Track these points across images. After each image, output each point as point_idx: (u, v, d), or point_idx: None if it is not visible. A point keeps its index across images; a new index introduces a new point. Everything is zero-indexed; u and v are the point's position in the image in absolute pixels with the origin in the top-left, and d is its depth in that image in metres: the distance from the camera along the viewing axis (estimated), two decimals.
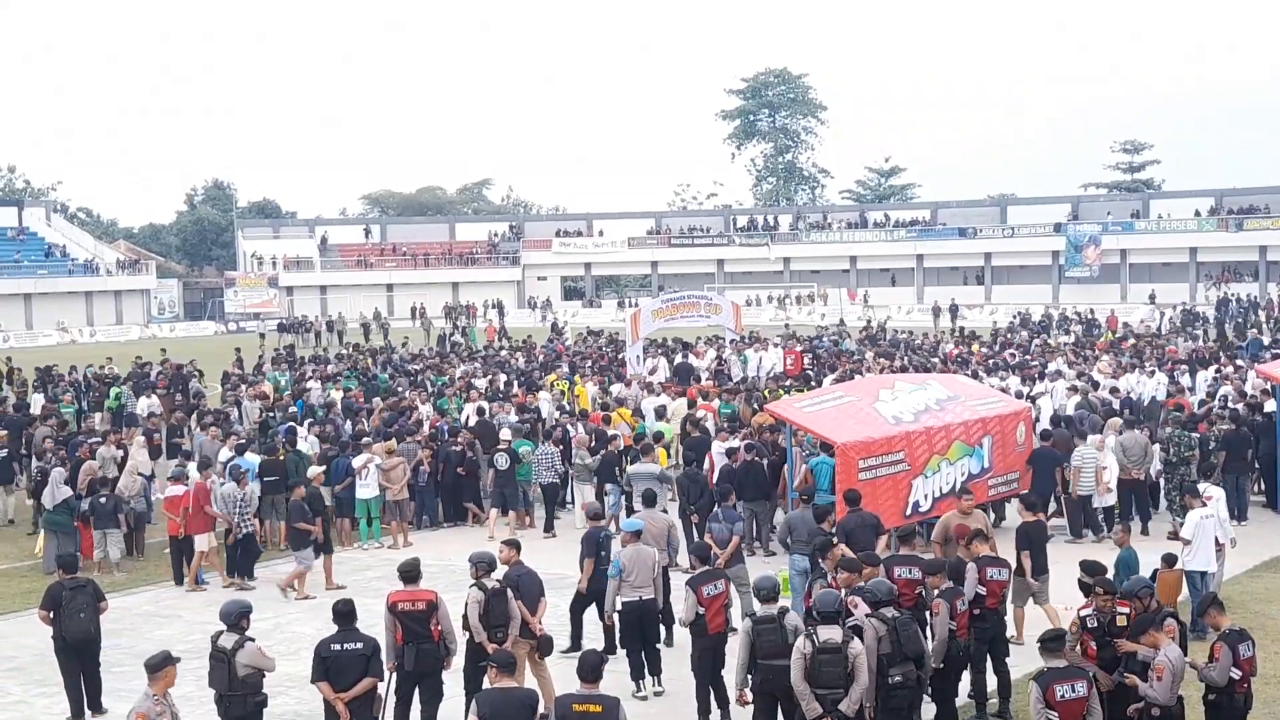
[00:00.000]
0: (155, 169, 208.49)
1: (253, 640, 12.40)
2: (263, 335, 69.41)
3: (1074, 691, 10.62)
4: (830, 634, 11.49)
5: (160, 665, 11.07)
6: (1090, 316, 62.07)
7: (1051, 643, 11.06)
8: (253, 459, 23.15)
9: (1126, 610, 12.23)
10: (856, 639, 11.61)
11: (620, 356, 40.79)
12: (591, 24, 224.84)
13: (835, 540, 15.19)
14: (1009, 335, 49.35)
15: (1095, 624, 12.28)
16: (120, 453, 25.43)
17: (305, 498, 20.28)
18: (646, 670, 14.86)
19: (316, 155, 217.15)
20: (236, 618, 12.48)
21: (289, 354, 49.20)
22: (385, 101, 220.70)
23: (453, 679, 13.52)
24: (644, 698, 14.65)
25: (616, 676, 13.87)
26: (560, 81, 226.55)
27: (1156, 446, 23.04)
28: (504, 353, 48.79)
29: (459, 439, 25.13)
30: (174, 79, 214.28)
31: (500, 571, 14.13)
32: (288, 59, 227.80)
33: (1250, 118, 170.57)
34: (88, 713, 14.77)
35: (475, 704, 10.64)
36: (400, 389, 34.46)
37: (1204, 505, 17.27)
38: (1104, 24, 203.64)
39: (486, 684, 11.18)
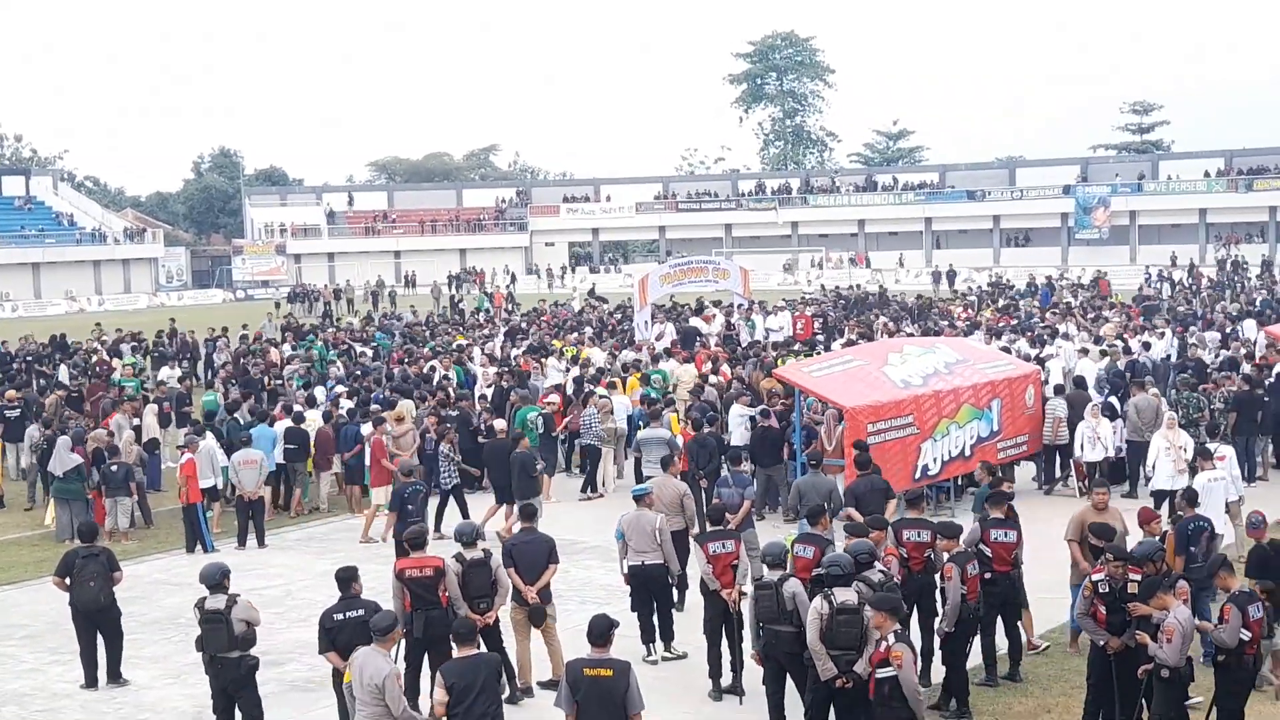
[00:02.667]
0: (161, 138, 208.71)
1: (240, 595, 12.60)
2: (277, 304, 69.56)
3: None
4: (847, 595, 11.54)
5: (390, 628, 11.09)
6: (1075, 281, 61.93)
7: (894, 608, 11.13)
8: (279, 425, 23.44)
9: (1139, 577, 12.21)
10: (869, 606, 11.63)
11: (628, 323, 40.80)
12: None
13: (825, 506, 15.22)
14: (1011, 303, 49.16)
15: (1107, 589, 12.28)
16: (136, 421, 25.59)
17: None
18: (657, 634, 14.91)
19: (323, 122, 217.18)
20: (219, 578, 12.62)
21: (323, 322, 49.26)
22: (391, 69, 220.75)
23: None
24: (654, 661, 14.69)
25: (628, 641, 13.89)
26: (567, 46, 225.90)
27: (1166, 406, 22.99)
28: (516, 318, 48.78)
29: (464, 404, 25.12)
30: (178, 79, 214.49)
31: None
32: (290, 28, 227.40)
33: (1256, 112, 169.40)
34: (103, 681, 14.80)
35: (441, 675, 10.71)
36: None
37: (1214, 467, 17.26)
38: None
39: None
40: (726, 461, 18.56)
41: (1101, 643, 12.23)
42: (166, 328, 44.15)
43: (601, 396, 24.93)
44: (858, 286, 60.13)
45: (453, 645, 13.12)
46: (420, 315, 52.52)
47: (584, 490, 24.21)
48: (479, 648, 11.16)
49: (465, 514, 20.83)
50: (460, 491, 21.67)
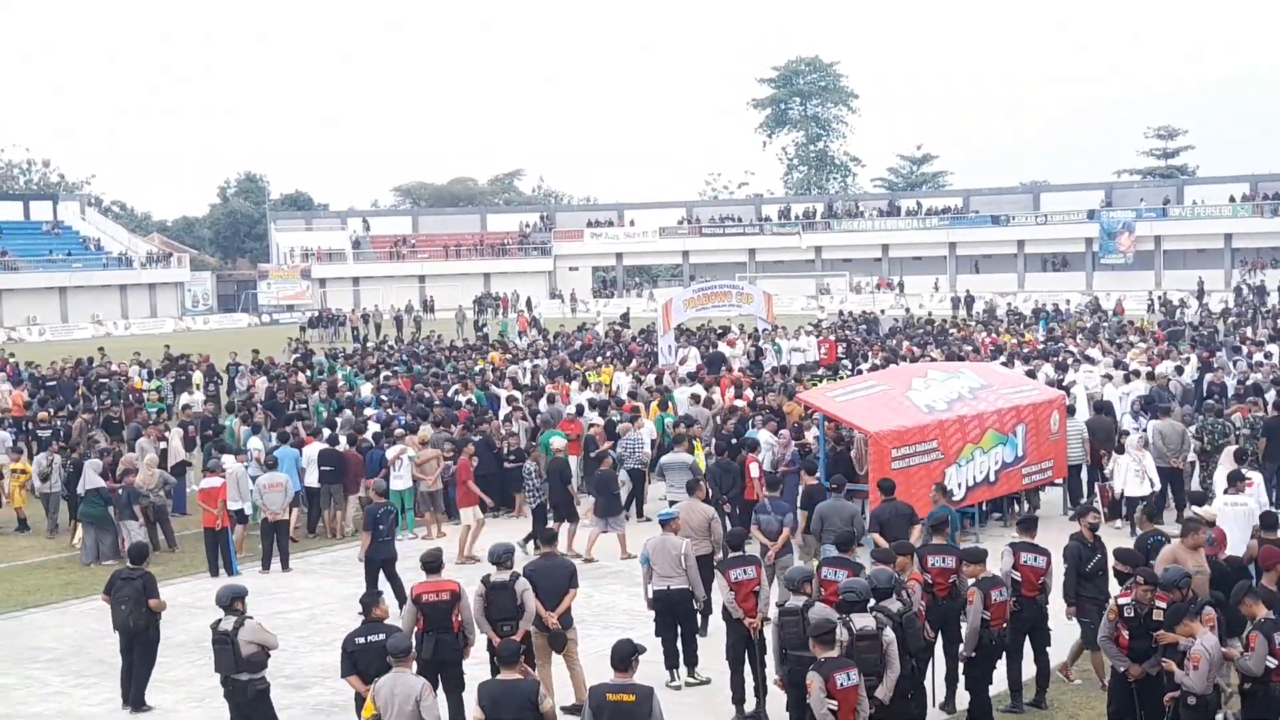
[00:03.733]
0: (188, 163, 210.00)
1: (251, 618, 12.64)
2: (303, 328, 69.95)
3: (849, 680, 10.74)
4: (865, 621, 11.50)
5: (407, 650, 11.23)
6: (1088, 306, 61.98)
7: (825, 635, 10.99)
8: (312, 449, 23.55)
9: (1164, 604, 12.14)
10: (888, 628, 11.60)
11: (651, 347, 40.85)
12: (623, 12, 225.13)
13: (853, 532, 15.19)
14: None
15: (1132, 614, 12.20)
16: (162, 444, 25.69)
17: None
18: (681, 659, 14.87)
19: (349, 148, 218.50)
20: (230, 600, 12.71)
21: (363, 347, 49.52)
22: (417, 95, 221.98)
23: (484, 669, 13.56)
24: (677, 687, 14.65)
25: (652, 666, 13.87)
26: (591, 72, 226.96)
27: (1192, 432, 22.81)
28: (540, 341, 48.84)
29: (486, 428, 25.07)
30: (178, 80, 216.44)
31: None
32: (316, 55, 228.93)
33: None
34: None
35: (477, 694, 10.80)
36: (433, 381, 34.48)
37: (1239, 493, 17.14)
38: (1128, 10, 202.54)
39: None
40: (766, 487, 18.43)
41: (1122, 669, 12.17)
42: (162, 353, 44.48)
43: (626, 421, 24.92)
44: (865, 312, 60.31)
45: (463, 667, 13.29)
46: (445, 340, 52.57)
47: (639, 515, 23.90)
48: (522, 672, 11.11)
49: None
50: (543, 511, 21.64)
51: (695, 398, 27.63)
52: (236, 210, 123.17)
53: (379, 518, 18.15)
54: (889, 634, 11.50)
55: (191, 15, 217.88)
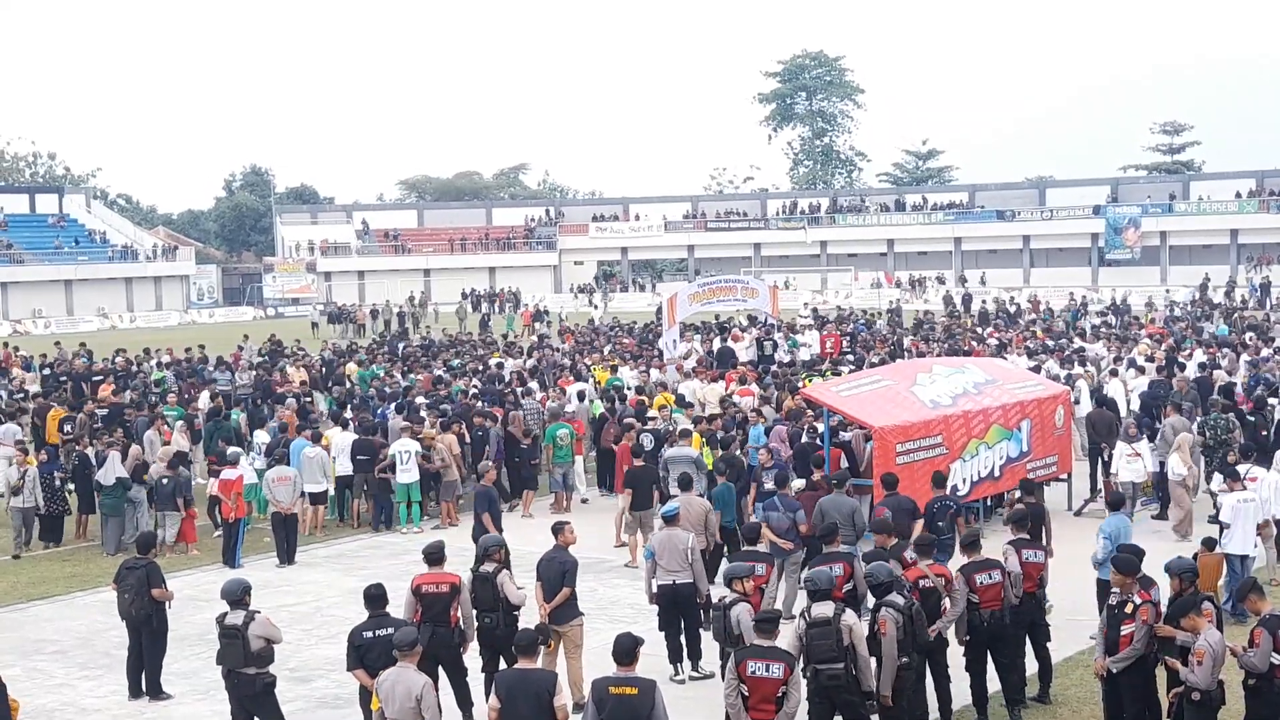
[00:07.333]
0: (193, 156, 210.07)
1: (259, 612, 12.67)
2: (315, 325, 69.78)
3: (768, 671, 10.75)
4: (822, 610, 11.51)
5: (413, 643, 11.12)
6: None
7: (764, 624, 11.06)
8: (345, 438, 23.69)
9: (1140, 600, 12.12)
10: (849, 611, 11.62)
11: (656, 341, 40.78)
12: (629, 6, 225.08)
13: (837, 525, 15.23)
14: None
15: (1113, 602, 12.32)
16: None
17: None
18: (685, 653, 14.87)
19: (354, 141, 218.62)
20: (240, 594, 12.71)
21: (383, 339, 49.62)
22: (422, 88, 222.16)
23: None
24: (681, 681, 14.66)
25: (656, 660, 13.87)
26: (597, 66, 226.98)
27: (1196, 428, 22.79)
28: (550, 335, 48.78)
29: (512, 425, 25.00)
30: (184, 73, 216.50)
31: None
32: (321, 47, 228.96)
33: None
34: (144, 696, 14.91)
35: (495, 683, 10.83)
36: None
37: (1244, 488, 17.15)
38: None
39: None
40: (775, 484, 18.42)
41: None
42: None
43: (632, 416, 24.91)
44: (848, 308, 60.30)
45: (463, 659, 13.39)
46: (449, 335, 52.52)
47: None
48: (539, 662, 11.10)
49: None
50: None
51: (651, 381, 27.84)
52: (242, 204, 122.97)
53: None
54: (847, 618, 11.45)
55: (197, 8, 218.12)
